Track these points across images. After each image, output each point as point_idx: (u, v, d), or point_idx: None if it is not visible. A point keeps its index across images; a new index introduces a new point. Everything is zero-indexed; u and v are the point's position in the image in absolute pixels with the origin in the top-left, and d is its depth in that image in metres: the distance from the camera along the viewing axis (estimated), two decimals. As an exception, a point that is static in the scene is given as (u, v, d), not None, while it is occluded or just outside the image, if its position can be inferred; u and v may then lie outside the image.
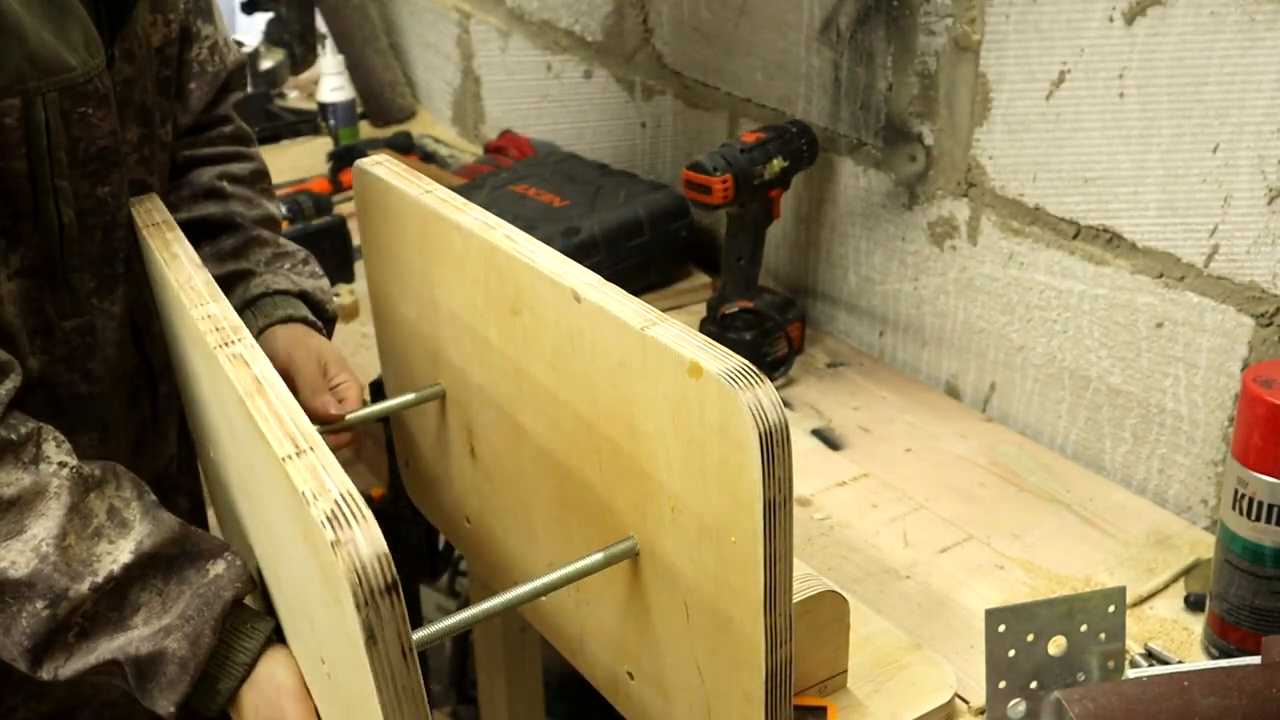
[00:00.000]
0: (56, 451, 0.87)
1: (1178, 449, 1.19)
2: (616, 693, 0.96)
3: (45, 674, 0.85)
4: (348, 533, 0.62)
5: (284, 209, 1.77)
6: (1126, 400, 1.22)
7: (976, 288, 1.35)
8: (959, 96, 1.30)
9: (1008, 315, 1.32)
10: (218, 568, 0.88)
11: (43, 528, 0.83)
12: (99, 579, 0.84)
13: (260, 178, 1.20)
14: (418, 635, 0.73)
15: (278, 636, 0.90)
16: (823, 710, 0.92)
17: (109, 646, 0.85)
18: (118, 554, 0.85)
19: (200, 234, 1.11)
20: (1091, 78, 1.16)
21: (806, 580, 0.90)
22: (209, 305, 0.87)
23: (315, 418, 0.99)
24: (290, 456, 0.68)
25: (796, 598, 0.84)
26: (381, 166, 1.05)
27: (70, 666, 0.85)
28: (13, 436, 0.85)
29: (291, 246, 1.17)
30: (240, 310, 1.08)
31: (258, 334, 1.08)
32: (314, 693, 0.87)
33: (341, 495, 0.64)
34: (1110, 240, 1.20)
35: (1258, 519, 0.91)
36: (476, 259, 0.93)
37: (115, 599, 0.85)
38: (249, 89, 1.24)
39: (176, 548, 0.88)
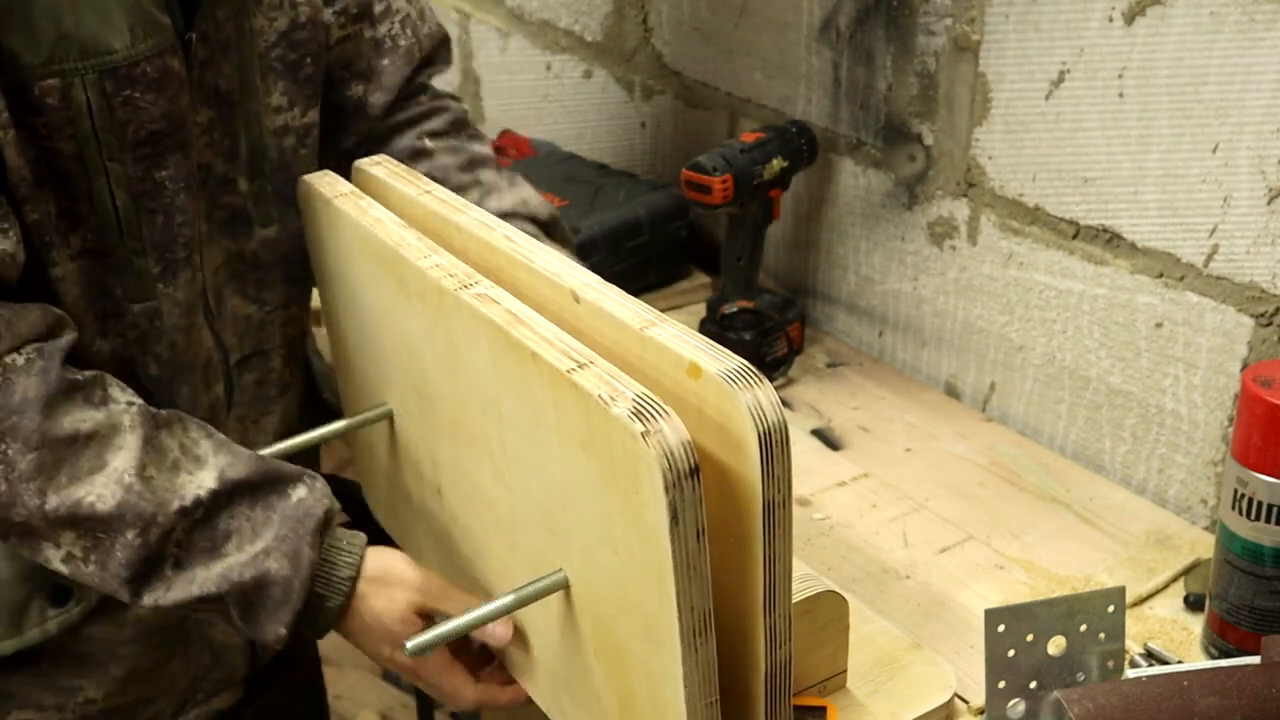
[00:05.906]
0: (122, 393, 0.88)
1: (1177, 449, 1.19)
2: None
3: (147, 601, 0.86)
4: (655, 424, 0.67)
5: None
6: (1126, 400, 1.22)
7: (976, 288, 1.35)
8: (959, 96, 1.30)
9: (1007, 315, 1.32)
10: (299, 491, 0.90)
11: (123, 460, 0.85)
12: (186, 503, 0.85)
13: (461, 125, 1.16)
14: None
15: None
16: (822, 710, 0.92)
17: (207, 576, 0.86)
18: (201, 481, 0.86)
19: None
20: (1091, 78, 1.16)
21: (806, 580, 0.90)
22: (434, 256, 0.88)
23: None
24: (574, 369, 0.72)
25: (796, 598, 0.84)
26: (380, 167, 1.05)
27: (171, 596, 0.86)
28: (79, 378, 0.86)
29: (489, 178, 1.14)
30: None
31: None
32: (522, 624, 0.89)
33: (638, 395, 0.68)
34: (1110, 240, 1.20)
35: (1257, 519, 0.91)
36: (475, 259, 0.93)
37: (205, 527, 0.86)
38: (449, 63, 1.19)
39: (259, 475, 0.89)
